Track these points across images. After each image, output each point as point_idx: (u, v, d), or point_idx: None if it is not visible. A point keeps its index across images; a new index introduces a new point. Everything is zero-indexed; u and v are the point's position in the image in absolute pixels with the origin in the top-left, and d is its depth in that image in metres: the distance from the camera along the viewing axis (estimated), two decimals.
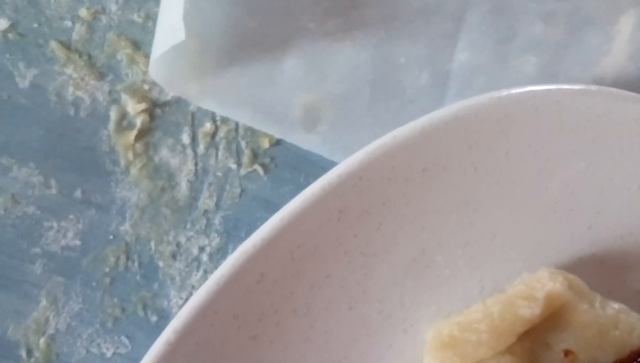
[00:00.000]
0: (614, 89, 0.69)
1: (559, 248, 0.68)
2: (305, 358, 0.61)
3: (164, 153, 0.67)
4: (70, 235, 0.66)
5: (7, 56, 0.67)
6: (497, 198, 0.66)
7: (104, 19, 0.68)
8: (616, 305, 0.65)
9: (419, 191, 0.64)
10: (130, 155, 0.66)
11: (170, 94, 0.68)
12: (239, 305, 0.58)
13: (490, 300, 0.62)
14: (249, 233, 0.60)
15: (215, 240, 0.68)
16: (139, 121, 0.67)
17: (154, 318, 0.67)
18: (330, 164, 0.66)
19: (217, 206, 0.68)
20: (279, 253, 0.59)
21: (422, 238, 0.64)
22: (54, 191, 0.66)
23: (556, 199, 0.67)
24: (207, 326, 0.57)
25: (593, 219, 0.68)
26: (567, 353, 0.63)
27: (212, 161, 0.68)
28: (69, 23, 0.67)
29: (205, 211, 0.67)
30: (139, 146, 0.67)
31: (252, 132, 0.69)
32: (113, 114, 0.67)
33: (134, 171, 0.67)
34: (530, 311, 0.61)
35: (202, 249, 0.67)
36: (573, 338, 0.64)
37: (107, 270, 0.66)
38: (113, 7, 0.68)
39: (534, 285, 0.62)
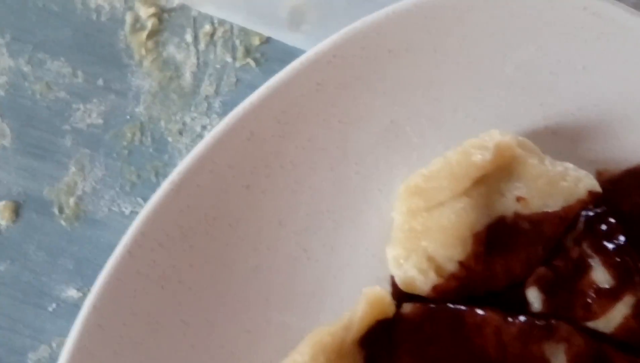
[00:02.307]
0: None
1: (514, 122, 0.80)
2: (292, 208, 0.73)
3: (171, 50, 0.81)
4: (94, 115, 0.81)
5: None
6: (457, 77, 0.77)
7: None
8: (564, 163, 0.77)
9: (386, 69, 0.75)
10: (142, 51, 0.81)
11: (175, 1, 0.82)
12: (233, 157, 0.70)
13: (449, 152, 0.74)
14: None
15: (215, 120, 0.81)
16: (149, 24, 0.81)
17: None
18: None
19: (217, 92, 0.81)
20: (266, 115, 0.71)
21: (391, 110, 0.76)
22: (80, 80, 0.81)
23: (511, 79, 0.79)
24: (207, 172, 0.70)
25: (545, 96, 0.80)
26: (519, 199, 0.75)
27: (211, 56, 0.81)
28: None
29: (207, 96, 0.81)
30: (150, 44, 0.81)
31: (245, 32, 0.82)
32: (128, 18, 0.82)
33: (146, 63, 0.81)
34: (482, 157, 0.71)
35: (204, 127, 0.81)
36: (525, 187, 0.74)
37: (125, 143, 0.80)
38: None
39: (486, 138, 0.74)
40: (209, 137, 0.69)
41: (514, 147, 0.72)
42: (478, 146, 0.71)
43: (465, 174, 0.71)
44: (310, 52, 0.72)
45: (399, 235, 0.72)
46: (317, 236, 0.73)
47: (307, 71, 0.72)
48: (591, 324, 0.73)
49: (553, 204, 0.74)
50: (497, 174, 0.73)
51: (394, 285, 0.73)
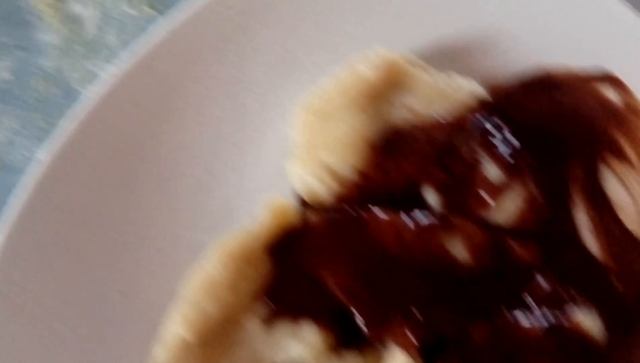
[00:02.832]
0: None
1: (401, 41, 0.83)
2: (196, 135, 0.78)
3: (73, 5, 0.86)
4: (3, 71, 0.85)
5: None
6: (342, 2, 0.84)
7: None
8: (451, 75, 0.83)
9: (275, 3, 0.81)
10: (45, 7, 0.85)
11: None
12: (136, 93, 0.76)
13: (339, 71, 0.78)
14: None
15: None
16: None
17: None
18: None
19: (121, 41, 0.86)
20: (165, 55, 0.76)
21: (284, 40, 0.81)
22: None
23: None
24: (111, 107, 0.74)
25: (431, 16, 0.83)
26: (409, 109, 0.79)
27: (114, 9, 0.86)
28: None
29: (111, 46, 0.86)
30: (52, 2, 0.86)
31: None
32: None
33: (50, 19, 0.85)
34: (369, 73, 0.77)
35: None
36: (415, 98, 0.79)
37: (35, 95, 0.85)
38: None
39: (373, 55, 0.79)
40: (112, 74, 0.74)
41: (400, 62, 0.78)
42: (366, 63, 0.77)
43: (355, 89, 0.77)
44: None
45: (298, 150, 0.77)
46: (221, 160, 0.78)
47: (202, 12, 0.77)
48: (487, 217, 0.80)
49: (442, 112, 0.80)
50: (387, 88, 0.79)
51: (299, 199, 0.79)
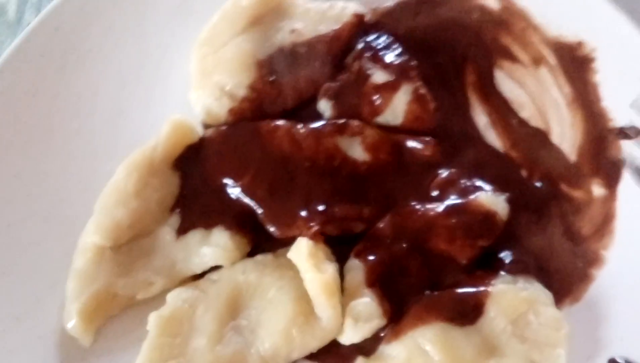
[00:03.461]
0: None
1: None
2: (105, 80, 0.86)
3: None
4: None
5: None
6: None
7: None
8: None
9: None
10: None
11: None
12: (43, 47, 0.85)
13: (225, 4, 0.86)
14: None
15: None
16: None
17: None
18: None
19: None
20: (68, 11, 0.86)
21: None
22: None
23: None
24: (21, 61, 0.84)
25: None
26: (293, 30, 0.87)
27: None
28: None
29: (29, 22, 0.91)
30: None
31: None
32: None
33: None
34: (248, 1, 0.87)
35: None
36: (298, 21, 0.87)
37: None
38: None
39: None
40: (22, 34, 0.85)
41: None
42: None
43: (238, 16, 0.85)
44: None
45: (196, 79, 0.84)
46: (131, 99, 0.86)
47: None
48: (381, 119, 0.85)
49: (324, 30, 0.87)
50: (270, 14, 0.87)
51: (202, 123, 0.86)
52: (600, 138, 0.86)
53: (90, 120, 0.85)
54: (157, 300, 0.77)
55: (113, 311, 0.77)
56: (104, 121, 0.85)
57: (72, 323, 0.75)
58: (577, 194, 0.84)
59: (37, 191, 0.82)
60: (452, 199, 0.81)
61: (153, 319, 0.75)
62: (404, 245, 0.79)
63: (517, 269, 0.79)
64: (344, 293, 0.77)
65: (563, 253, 0.82)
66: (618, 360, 0.75)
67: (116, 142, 0.84)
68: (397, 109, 0.85)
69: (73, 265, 0.77)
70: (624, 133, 0.85)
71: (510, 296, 0.76)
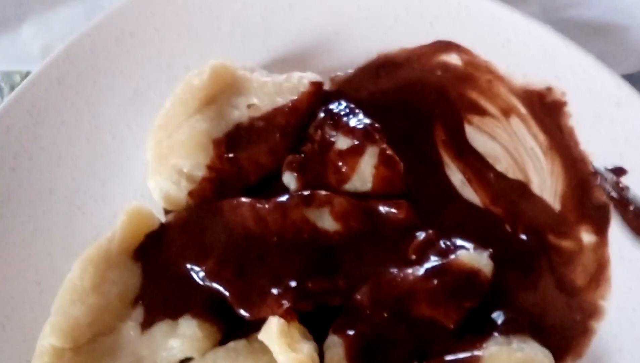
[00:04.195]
0: None
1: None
2: (59, 178, 0.84)
3: None
4: None
5: None
6: (181, 44, 0.93)
7: None
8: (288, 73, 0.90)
9: (116, 54, 0.90)
10: None
11: None
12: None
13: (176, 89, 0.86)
14: None
15: None
16: None
17: None
18: None
19: None
20: (18, 111, 0.86)
21: (132, 83, 0.91)
22: None
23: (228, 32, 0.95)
24: None
25: (265, 36, 0.94)
26: (250, 105, 0.86)
27: None
28: None
29: None
30: None
31: (6, 74, 1.01)
32: None
33: None
34: (199, 79, 0.83)
35: None
36: (254, 96, 0.85)
37: None
38: None
39: (204, 68, 0.86)
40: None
41: (227, 65, 0.85)
42: (197, 73, 0.85)
43: (191, 97, 0.83)
44: (47, 59, 0.89)
45: (153, 165, 0.82)
46: (87, 195, 0.84)
47: (47, 71, 0.88)
48: (349, 187, 0.82)
49: (282, 102, 0.85)
50: (226, 92, 0.85)
51: (163, 209, 0.83)
52: (583, 182, 0.82)
53: (46, 219, 0.82)
54: None
55: None
56: (60, 219, 0.82)
57: None
58: (565, 244, 0.80)
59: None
60: (432, 262, 0.76)
61: None
62: (386, 315, 0.74)
63: (510, 329, 0.74)
64: None
65: (558, 307, 0.77)
66: None
67: (74, 239, 0.81)
68: (364, 174, 0.82)
69: None
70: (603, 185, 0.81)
71: (505, 359, 0.70)
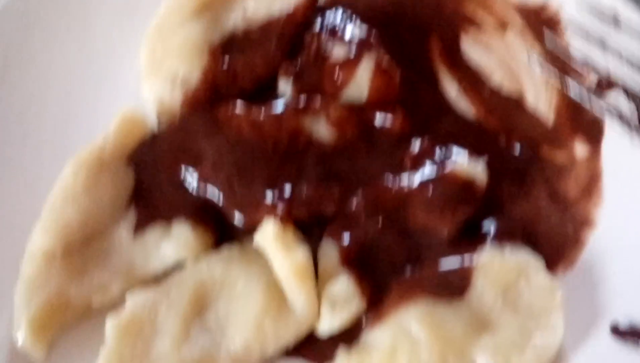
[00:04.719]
0: None
1: None
2: (53, 81, 0.83)
3: None
4: None
5: None
6: None
7: None
8: None
9: None
10: None
11: None
12: None
13: None
14: None
15: None
16: None
17: None
18: None
19: None
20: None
21: None
22: None
23: None
24: None
25: None
26: (244, 15, 0.83)
27: None
28: None
29: None
30: None
31: None
32: None
33: None
34: None
35: None
36: (249, 4, 0.84)
37: None
38: None
39: None
40: None
41: None
42: None
43: (187, 2, 0.81)
44: None
45: (147, 70, 0.80)
46: (80, 99, 0.82)
47: None
48: (345, 96, 0.81)
49: (278, 11, 0.84)
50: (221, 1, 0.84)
51: (156, 114, 0.81)
52: (577, 96, 0.82)
53: (38, 124, 0.80)
54: (116, 307, 0.71)
55: (67, 321, 0.70)
56: (52, 123, 0.80)
57: (21, 336, 0.68)
58: (559, 156, 0.80)
59: None
60: (428, 171, 0.76)
61: (110, 325, 0.68)
62: (380, 221, 0.74)
63: (504, 237, 0.74)
64: (319, 279, 0.72)
65: (550, 218, 0.77)
66: (621, 323, 0.70)
67: (66, 144, 0.79)
68: (361, 83, 0.80)
69: (21, 273, 0.71)
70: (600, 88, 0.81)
71: (498, 265, 0.71)
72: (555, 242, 0.76)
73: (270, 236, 0.70)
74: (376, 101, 0.81)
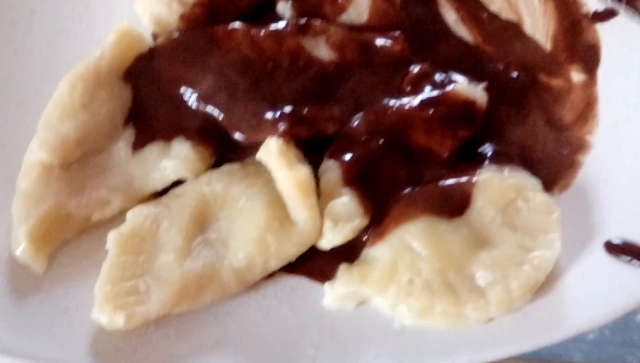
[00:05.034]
0: None
1: None
2: (36, 10, 0.81)
3: None
4: None
5: None
6: None
7: None
8: None
9: None
10: None
11: None
12: None
13: None
14: None
15: None
16: None
17: None
18: None
19: None
20: None
21: None
22: None
23: None
24: None
25: None
26: None
27: None
28: None
29: None
30: None
31: None
32: None
33: None
34: None
35: None
36: None
37: None
38: None
39: None
40: None
41: None
42: None
43: None
44: None
45: None
46: (71, 17, 0.80)
47: None
48: (345, 18, 0.80)
49: None
50: None
51: (151, 34, 0.80)
52: (574, 23, 0.83)
53: (29, 40, 0.78)
54: (116, 221, 0.71)
55: (67, 235, 0.70)
56: (43, 40, 0.79)
57: (21, 249, 0.67)
58: (556, 82, 0.80)
59: None
60: (427, 93, 0.76)
61: (112, 237, 0.68)
62: (381, 141, 0.74)
63: (501, 160, 0.75)
64: (320, 196, 0.71)
65: (547, 142, 0.78)
66: (614, 240, 0.72)
67: (58, 62, 0.77)
68: (361, 6, 0.80)
69: (18, 187, 0.70)
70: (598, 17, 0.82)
71: (497, 184, 0.72)
72: (551, 165, 0.77)
73: (274, 152, 0.70)
74: (375, 25, 0.81)
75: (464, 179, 0.72)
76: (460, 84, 0.76)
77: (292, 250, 0.70)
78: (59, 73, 0.75)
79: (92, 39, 0.79)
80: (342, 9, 0.80)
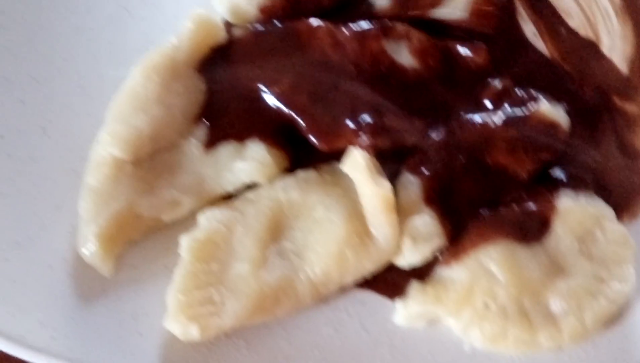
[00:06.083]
0: None
1: None
2: None
3: None
4: None
5: None
6: None
7: None
8: None
9: None
10: None
11: None
12: None
13: None
14: None
15: None
16: None
17: None
18: None
19: None
20: None
21: None
22: None
23: None
24: None
25: None
26: None
27: None
28: None
29: None
30: None
31: None
32: None
33: None
34: None
35: None
36: None
37: None
38: None
39: None
40: None
41: None
42: None
43: None
44: None
45: None
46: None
47: None
48: (438, 13, 0.78)
49: None
50: None
51: (225, 23, 0.75)
52: None
53: (91, 17, 0.73)
54: (184, 223, 0.67)
55: (135, 236, 0.66)
56: (107, 18, 0.74)
57: (89, 250, 0.63)
58: (630, 107, 0.79)
59: (30, 98, 0.70)
60: (509, 110, 0.74)
61: (186, 242, 0.65)
62: (461, 158, 0.72)
63: (577, 185, 0.74)
64: (399, 211, 0.70)
65: (618, 168, 0.76)
66: None
67: (122, 44, 0.73)
68: (456, 2, 0.77)
69: (86, 182, 0.65)
70: None
71: (578, 212, 0.70)
72: (622, 192, 0.76)
73: (361, 165, 0.67)
74: (468, 26, 0.78)
75: (543, 203, 0.71)
76: (544, 104, 0.74)
77: (369, 266, 0.67)
78: (124, 57, 0.71)
79: (157, 22, 0.75)
80: (437, 2, 0.77)
